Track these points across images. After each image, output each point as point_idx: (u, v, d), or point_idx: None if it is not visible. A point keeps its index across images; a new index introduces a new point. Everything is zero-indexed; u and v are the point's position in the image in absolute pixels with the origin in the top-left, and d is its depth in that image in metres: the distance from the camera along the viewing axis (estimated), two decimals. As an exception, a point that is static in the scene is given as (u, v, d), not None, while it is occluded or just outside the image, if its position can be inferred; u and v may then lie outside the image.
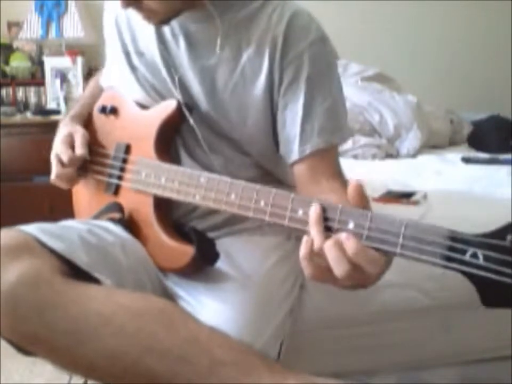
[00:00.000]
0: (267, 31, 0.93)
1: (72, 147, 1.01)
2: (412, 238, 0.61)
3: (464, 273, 0.58)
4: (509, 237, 0.56)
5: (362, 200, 0.65)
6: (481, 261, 0.57)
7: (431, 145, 2.45)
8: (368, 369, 1.21)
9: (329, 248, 0.63)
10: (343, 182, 0.92)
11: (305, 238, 0.66)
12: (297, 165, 0.94)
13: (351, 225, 0.65)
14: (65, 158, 0.99)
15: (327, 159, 0.93)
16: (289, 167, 0.97)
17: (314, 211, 0.67)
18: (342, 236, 0.63)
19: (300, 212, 0.70)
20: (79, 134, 1.03)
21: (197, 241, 0.88)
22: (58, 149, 1.01)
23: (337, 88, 0.96)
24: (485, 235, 0.58)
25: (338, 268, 0.62)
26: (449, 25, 3.15)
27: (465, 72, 3.16)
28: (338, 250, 0.62)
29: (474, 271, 0.57)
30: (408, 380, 1.22)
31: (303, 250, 0.65)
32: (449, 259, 0.59)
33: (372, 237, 0.63)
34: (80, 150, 1.00)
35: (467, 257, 0.58)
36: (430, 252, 0.60)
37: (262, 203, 0.74)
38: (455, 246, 0.59)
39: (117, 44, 1.05)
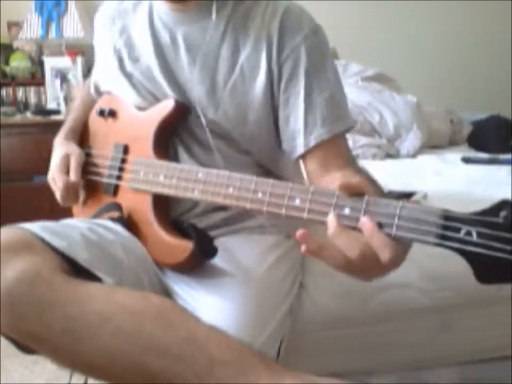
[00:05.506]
0: (262, 28, 0.94)
1: (67, 171, 1.04)
2: (407, 219, 0.62)
3: (458, 250, 0.59)
4: (502, 213, 0.56)
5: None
6: (475, 238, 0.57)
7: (431, 145, 2.44)
8: (368, 369, 1.21)
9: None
10: (356, 169, 0.90)
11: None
12: (305, 160, 0.94)
13: (347, 210, 0.66)
14: (60, 185, 1.03)
15: (335, 149, 0.93)
16: (297, 164, 0.96)
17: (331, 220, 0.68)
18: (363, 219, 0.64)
19: (297, 200, 0.71)
20: (74, 157, 1.05)
21: (195, 237, 0.88)
22: (54, 174, 1.04)
23: (335, 77, 0.96)
24: (478, 213, 0.58)
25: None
26: (449, 25, 3.15)
27: (465, 72, 3.16)
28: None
29: (468, 248, 0.58)
30: (408, 380, 1.21)
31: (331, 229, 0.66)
32: (443, 237, 0.59)
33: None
34: (73, 177, 1.03)
35: (461, 235, 0.58)
36: (425, 231, 0.60)
37: (260, 193, 0.75)
38: (449, 224, 0.59)
39: (109, 48, 1.06)
